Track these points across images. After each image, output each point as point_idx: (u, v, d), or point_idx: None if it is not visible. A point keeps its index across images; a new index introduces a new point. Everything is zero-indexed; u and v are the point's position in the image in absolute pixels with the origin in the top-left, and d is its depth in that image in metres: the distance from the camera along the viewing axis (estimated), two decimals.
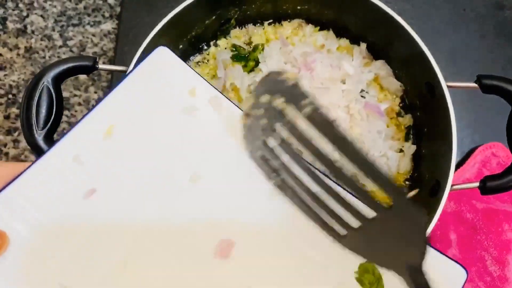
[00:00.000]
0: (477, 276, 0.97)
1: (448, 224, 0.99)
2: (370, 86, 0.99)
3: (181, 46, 0.97)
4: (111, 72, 1.09)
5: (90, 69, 0.80)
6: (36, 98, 0.77)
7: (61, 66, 0.79)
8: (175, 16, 0.86)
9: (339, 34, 1.02)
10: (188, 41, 0.98)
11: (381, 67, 1.00)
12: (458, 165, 1.03)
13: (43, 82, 0.78)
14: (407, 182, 0.97)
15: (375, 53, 1.00)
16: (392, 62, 0.98)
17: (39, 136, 0.77)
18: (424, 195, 0.90)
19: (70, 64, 0.80)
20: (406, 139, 0.99)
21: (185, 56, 1.01)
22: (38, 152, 0.78)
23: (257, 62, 1.00)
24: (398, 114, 1.00)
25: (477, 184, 0.81)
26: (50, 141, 0.79)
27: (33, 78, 0.78)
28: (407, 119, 0.99)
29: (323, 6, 0.97)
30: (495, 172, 0.95)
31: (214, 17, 0.96)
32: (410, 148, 0.97)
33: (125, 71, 0.83)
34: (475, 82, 0.82)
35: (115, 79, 1.06)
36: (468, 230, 0.99)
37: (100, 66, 0.81)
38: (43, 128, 0.78)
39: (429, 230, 0.81)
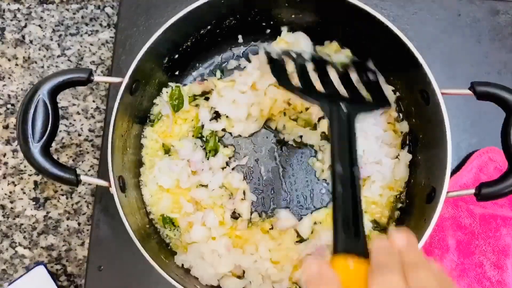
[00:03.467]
0: (476, 281, 0.97)
1: (446, 229, 0.99)
2: None
3: (176, 56, 0.98)
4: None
5: (85, 82, 0.80)
6: (31, 111, 0.78)
7: (56, 79, 0.79)
8: (169, 28, 0.86)
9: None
10: (184, 51, 0.98)
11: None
12: (456, 170, 1.03)
13: (39, 95, 0.78)
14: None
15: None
16: (388, 69, 0.98)
17: (35, 149, 0.78)
18: (420, 202, 0.90)
19: (66, 77, 0.80)
20: (402, 146, 0.99)
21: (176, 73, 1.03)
22: (34, 165, 0.78)
23: None
24: (395, 120, 1.00)
25: (472, 191, 0.81)
26: (47, 153, 0.79)
27: (29, 91, 0.78)
28: (404, 126, 0.99)
29: (313, 12, 0.98)
30: (492, 177, 0.96)
31: (209, 27, 0.97)
32: (406, 156, 0.98)
33: (121, 83, 0.83)
34: (469, 89, 0.82)
35: (113, 88, 1.06)
36: (466, 235, 0.99)
37: (96, 78, 0.81)
38: (39, 141, 0.78)
39: (426, 235, 0.81)
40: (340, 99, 0.84)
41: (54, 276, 1.06)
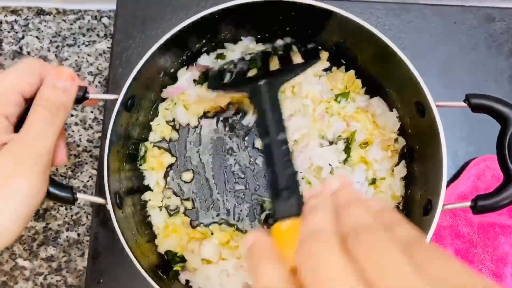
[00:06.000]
0: None
1: (445, 238, 0.99)
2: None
3: (172, 70, 0.98)
4: (106, 88, 1.09)
5: (80, 100, 0.80)
6: None
7: None
8: (163, 44, 0.86)
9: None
10: (180, 64, 0.98)
11: (377, 105, 1.01)
12: (453, 179, 1.03)
13: None
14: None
15: (365, 72, 1.01)
16: (383, 81, 0.98)
17: None
18: (417, 215, 0.90)
19: None
20: (398, 160, 1.00)
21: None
22: None
23: None
24: (395, 140, 1.01)
25: (468, 203, 0.81)
26: None
27: (24, 110, 0.78)
28: (401, 142, 1.00)
29: (305, 25, 0.97)
30: (490, 185, 0.96)
31: (204, 41, 0.97)
32: (400, 171, 0.98)
33: (116, 100, 0.83)
34: (464, 101, 0.82)
35: (110, 100, 1.06)
36: (465, 244, 0.99)
37: (91, 96, 0.81)
38: None
39: None
40: (262, 76, 0.87)
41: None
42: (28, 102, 0.76)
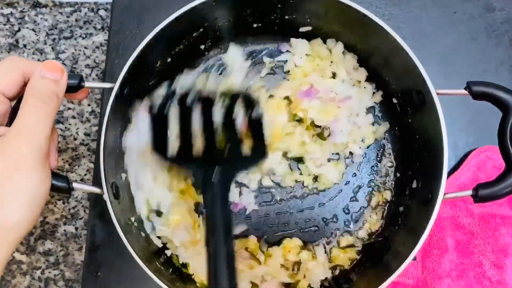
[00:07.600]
0: (475, 281, 0.96)
1: (445, 229, 0.98)
2: None
3: (169, 60, 0.97)
4: (103, 81, 1.09)
5: (76, 88, 0.79)
6: None
7: None
8: (159, 33, 0.85)
9: None
10: (177, 54, 0.97)
11: None
12: (453, 169, 1.02)
13: None
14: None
15: (365, 61, 1.00)
16: (384, 70, 0.97)
17: None
18: (417, 204, 0.89)
19: None
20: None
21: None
22: None
23: None
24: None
25: (469, 192, 0.80)
26: None
27: (18, 99, 0.77)
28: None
29: (306, 13, 0.97)
30: (491, 175, 0.95)
31: (201, 30, 0.96)
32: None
33: (112, 88, 0.83)
34: (465, 88, 0.81)
35: (106, 92, 1.05)
36: (466, 235, 0.98)
37: (87, 84, 0.80)
38: None
39: (423, 238, 0.80)
40: (215, 162, 0.82)
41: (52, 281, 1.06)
42: (15, 100, 0.76)
